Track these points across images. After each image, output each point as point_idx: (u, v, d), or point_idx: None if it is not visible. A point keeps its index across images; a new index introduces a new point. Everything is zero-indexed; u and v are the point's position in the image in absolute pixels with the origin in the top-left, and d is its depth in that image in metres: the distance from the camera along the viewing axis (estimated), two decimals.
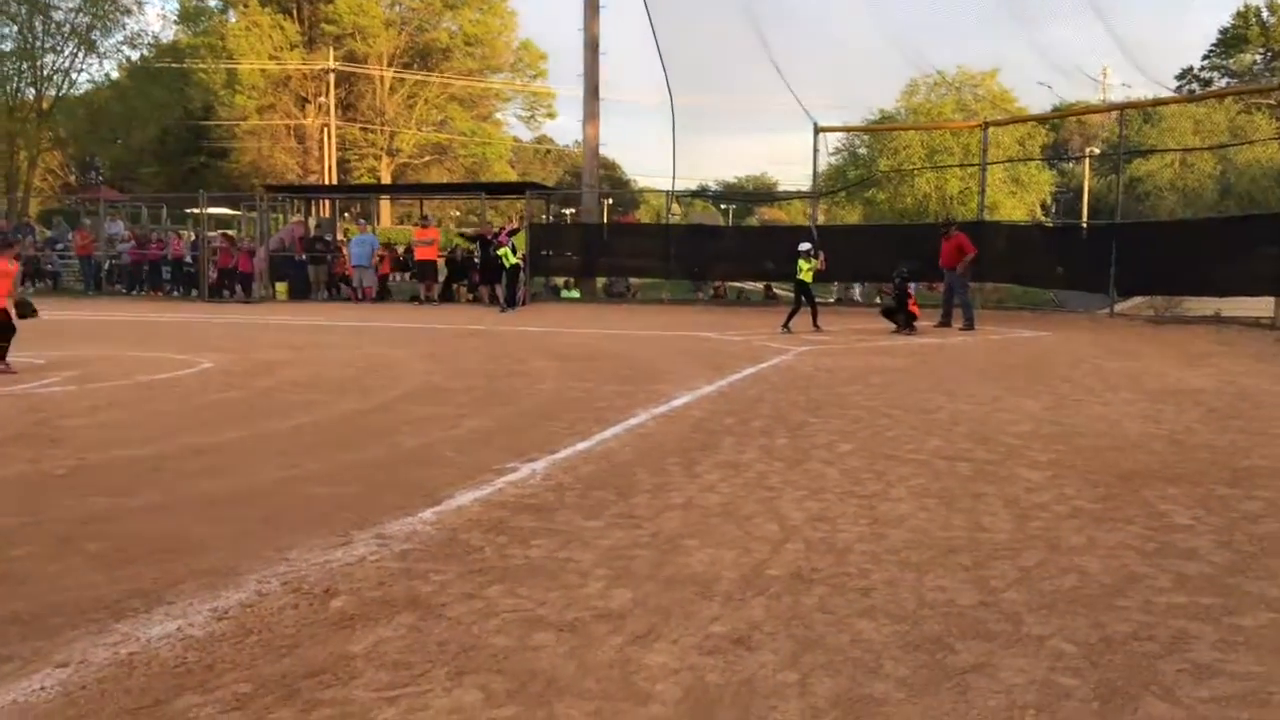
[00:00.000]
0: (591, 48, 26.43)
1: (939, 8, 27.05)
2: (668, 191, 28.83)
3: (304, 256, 26.49)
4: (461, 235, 28.75)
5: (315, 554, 4.37)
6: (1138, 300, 21.82)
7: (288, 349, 13.29)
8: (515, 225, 24.71)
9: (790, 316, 16.58)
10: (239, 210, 33.88)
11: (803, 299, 16.84)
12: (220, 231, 30.08)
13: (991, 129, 27.52)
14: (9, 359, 10.70)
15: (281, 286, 26.25)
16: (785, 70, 24.53)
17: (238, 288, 26.34)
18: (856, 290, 30.09)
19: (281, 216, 31.60)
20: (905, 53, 26.46)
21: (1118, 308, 20.77)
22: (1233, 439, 7.02)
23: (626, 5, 46.98)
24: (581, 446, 6.74)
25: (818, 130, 25.13)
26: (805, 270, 16.72)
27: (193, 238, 29.15)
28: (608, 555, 4.38)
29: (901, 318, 16.32)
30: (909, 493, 5.50)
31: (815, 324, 16.51)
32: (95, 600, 3.81)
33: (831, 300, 28.52)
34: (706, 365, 11.52)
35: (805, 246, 16.98)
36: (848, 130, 35.01)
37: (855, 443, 6.92)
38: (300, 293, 26.14)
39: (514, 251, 21.82)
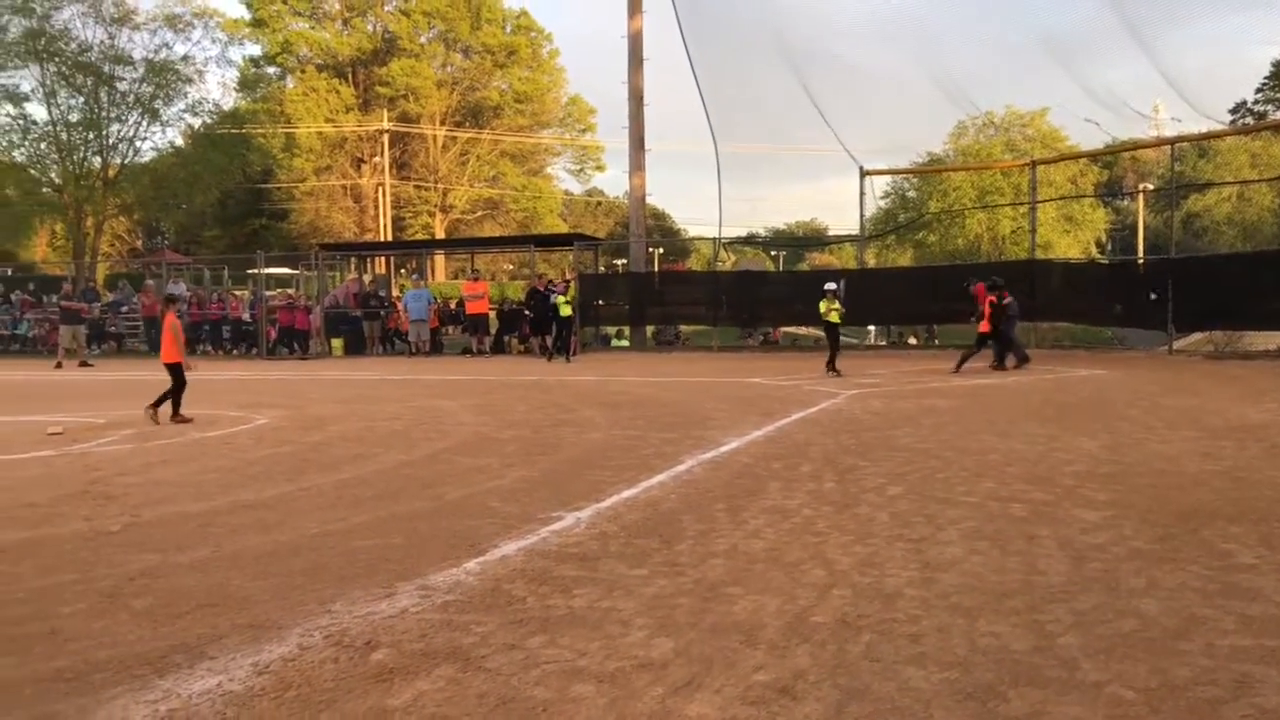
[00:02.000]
0: (636, 99, 26.73)
1: (984, 51, 26.99)
2: (715, 239, 28.92)
3: (359, 313, 26.91)
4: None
5: (358, 606, 4.36)
6: (1197, 336, 21.36)
7: (340, 403, 13.44)
8: (569, 277, 24.98)
9: (831, 360, 16.45)
10: (297, 269, 34.56)
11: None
12: (281, 291, 30.70)
13: (1041, 168, 27.31)
14: (184, 410, 11.47)
15: (337, 342, 26.65)
16: (830, 116, 24.63)
17: (295, 345, 26.82)
18: (872, 333, 30.01)
19: (338, 274, 32.20)
20: (952, 95, 26.36)
21: (1177, 344, 20.34)
22: None
23: (671, 57, 47.36)
24: (627, 494, 6.70)
25: (863, 174, 25.12)
26: (829, 311, 16.54)
27: (250, 297, 29.76)
28: (650, 604, 4.32)
29: (1000, 349, 16.27)
30: (960, 535, 5.37)
31: (831, 365, 16.30)
32: (139, 657, 3.82)
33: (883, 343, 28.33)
34: (755, 411, 11.44)
35: (831, 286, 16.83)
36: (894, 173, 34.99)
37: (905, 485, 6.80)
38: (356, 348, 26.52)
39: (568, 302, 21.99)
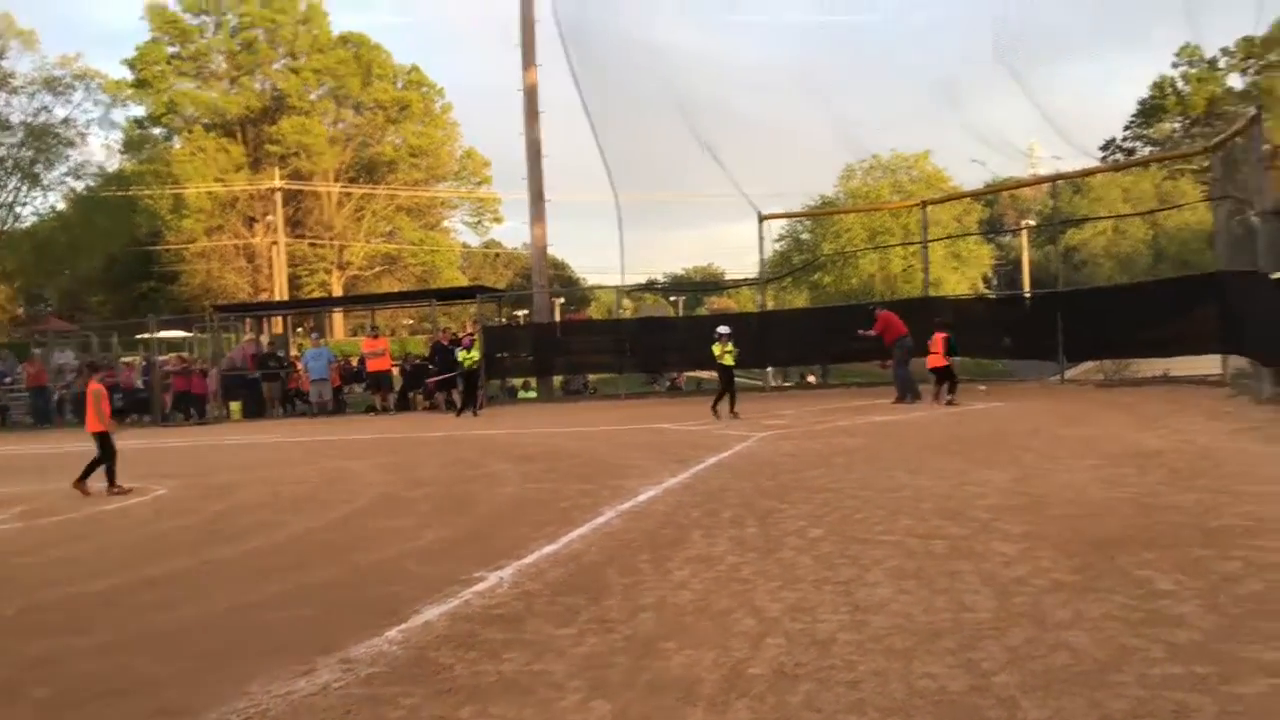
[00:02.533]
0: (533, 152, 26.78)
1: (871, 95, 27.88)
2: (617, 287, 29.03)
3: (257, 374, 26.21)
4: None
5: (276, 685, 4.16)
6: (1087, 365, 22.12)
7: (242, 469, 13.00)
8: (471, 330, 24.70)
9: (731, 403, 16.54)
10: (191, 332, 33.57)
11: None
12: (174, 355, 29.74)
13: (930, 207, 28.14)
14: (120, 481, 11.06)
15: (235, 406, 25.90)
16: (726, 162, 25.01)
17: (191, 410, 25.94)
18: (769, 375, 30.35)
19: (234, 336, 31.36)
20: (841, 139, 27.08)
21: (1068, 374, 21.03)
22: (1199, 498, 7.00)
23: (567, 108, 47.33)
24: (548, 550, 6.57)
25: (762, 219, 25.54)
26: (723, 354, 16.69)
27: (143, 363, 28.77)
28: (583, 664, 4.22)
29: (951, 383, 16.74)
30: (886, 575, 5.39)
31: (731, 408, 16.44)
32: None
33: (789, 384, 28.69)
34: (669, 457, 11.41)
35: (723, 330, 17.02)
36: (790, 216, 35.67)
37: (825, 527, 6.82)
38: (254, 411, 25.79)
39: (470, 357, 21.68)
